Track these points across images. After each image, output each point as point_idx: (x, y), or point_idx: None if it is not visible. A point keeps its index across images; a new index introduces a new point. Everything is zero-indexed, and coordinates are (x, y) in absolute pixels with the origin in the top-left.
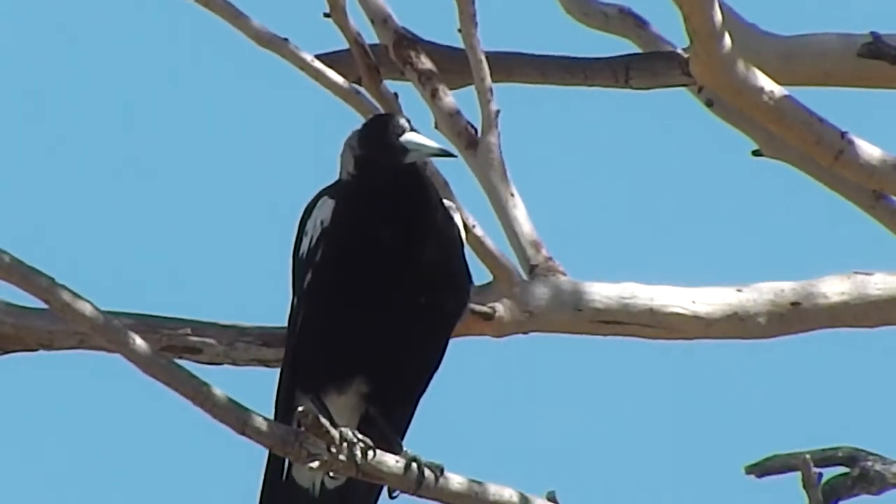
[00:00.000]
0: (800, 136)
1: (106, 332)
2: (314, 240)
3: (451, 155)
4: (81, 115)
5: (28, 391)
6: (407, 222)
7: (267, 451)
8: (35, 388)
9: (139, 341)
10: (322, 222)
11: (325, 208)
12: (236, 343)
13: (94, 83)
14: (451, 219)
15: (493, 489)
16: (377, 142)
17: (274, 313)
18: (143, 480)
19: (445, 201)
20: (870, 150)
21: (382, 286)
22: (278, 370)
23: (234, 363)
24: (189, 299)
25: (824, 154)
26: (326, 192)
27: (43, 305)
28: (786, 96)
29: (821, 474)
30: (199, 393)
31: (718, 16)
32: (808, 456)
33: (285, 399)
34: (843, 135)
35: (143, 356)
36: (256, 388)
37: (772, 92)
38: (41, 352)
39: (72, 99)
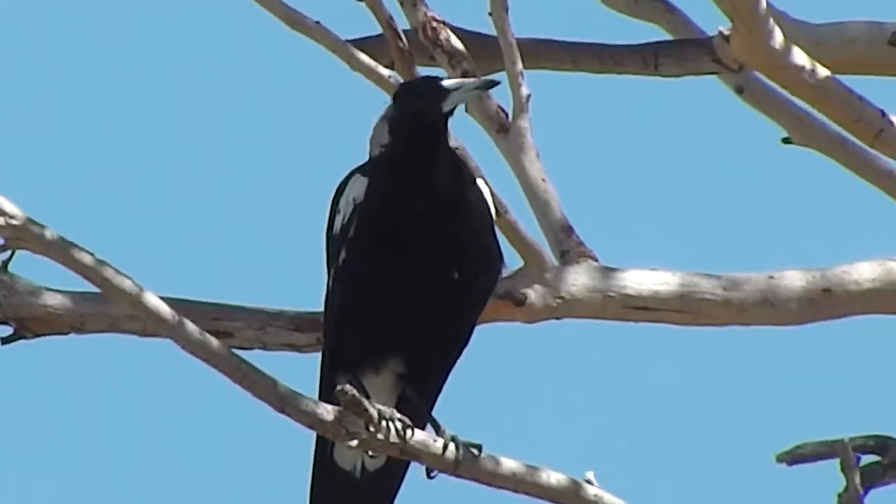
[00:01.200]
0: (840, 115)
1: (146, 309)
2: (347, 217)
3: (494, 83)
4: (113, 101)
5: (59, 374)
6: (440, 198)
7: (315, 434)
8: (66, 370)
9: (179, 317)
10: (354, 199)
11: (358, 185)
12: (267, 327)
13: (127, 65)
14: (482, 195)
15: (531, 470)
16: (417, 90)
17: (305, 297)
18: (179, 462)
19: (476, 178)
20: None
21: (416, 262)
22: (311, 354)
23: (265, 347)
24: (220, 283)
25: (865, 132)
26: (358, 170)
27: (73, 288)
28: (827, 74)
29: (859, 457)
30: (238, 370)
31: None
32: (846, 439)
33: (327, 379)
34: (883, 114)
35: (184, 333)
36: (288, 372)
37: (813, 70)
38: (72, 335)
39: (102, 82)
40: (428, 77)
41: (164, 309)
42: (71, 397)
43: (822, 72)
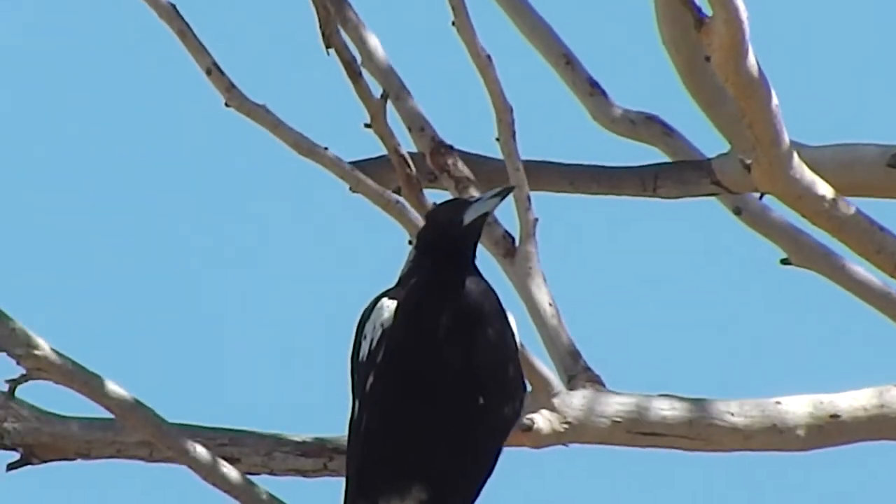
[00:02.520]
0: (860, 245)
1: (164, 440)
2: (375, 343)
3: (510, 189)
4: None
5: (66, 500)
6: (469, 324)
7: None
8: (73, 497)
9: (199, 449)
10: (382, 324)
11: (384, 310)
12: (274, 453)
13: (135, 184)
14: (510, 324)
15: None
16: (442, 208)
17: (311, 423)
18: None
19: (504, 308)
20: None
21: (443, 389)
22: (317, 479)
23: (271, 473)
24: (227, 408)
25: (885, 262)
26: (385, 294)
27: (80, 413)
28: (848, 205)
29: None
30: (257, 501)
31: (781, 123)
32: None
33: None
34: None
35: (204, 464)
36: (295, 498)
37: (833, 200)
38: (79, 461)
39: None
40: (446, 201)
41: (185, 441)
42: None
43: (842, 202)
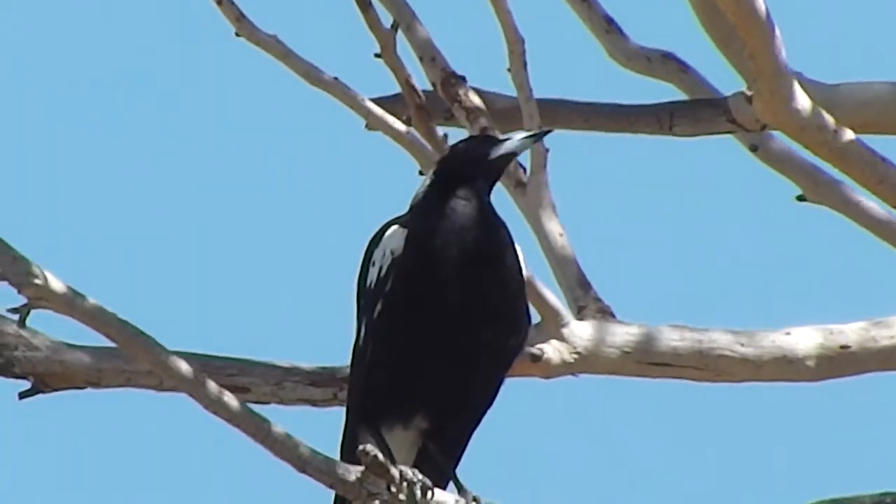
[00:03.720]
0: (863, 175)
1: (168, 369)
2: (384, 270)
3: (546, 131)
4: (130, 149)
5: (76, 428)
6: (481, 256)
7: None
8: (83, 425)
9: (201, 377)
10: (392, 252)
11: (396, 238)
12: (284, 382)
13: (145, 119)
14: (519, 258)
15: None
16: (470, 140)
17: (321, 353)
18: None
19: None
20: None
21: (452, 319)
22: (327, 408)
23: (281, 402)
24: (237, 338)
25: (888, 193)
26: (395, 221)
27: (91, 343)
28: (850, 136)
29: None
30: (260, 430)
31: (783, 54)
32: (865, 496)
33: (350, 432)
34: None
35: (205, 393)
36: (304, 427)
37: (835, 131)
38: (89, 389)
39: (119, 133)
40: (475, 135)
41: (186, 368)
42: (88, 451)
43: (845, 133)
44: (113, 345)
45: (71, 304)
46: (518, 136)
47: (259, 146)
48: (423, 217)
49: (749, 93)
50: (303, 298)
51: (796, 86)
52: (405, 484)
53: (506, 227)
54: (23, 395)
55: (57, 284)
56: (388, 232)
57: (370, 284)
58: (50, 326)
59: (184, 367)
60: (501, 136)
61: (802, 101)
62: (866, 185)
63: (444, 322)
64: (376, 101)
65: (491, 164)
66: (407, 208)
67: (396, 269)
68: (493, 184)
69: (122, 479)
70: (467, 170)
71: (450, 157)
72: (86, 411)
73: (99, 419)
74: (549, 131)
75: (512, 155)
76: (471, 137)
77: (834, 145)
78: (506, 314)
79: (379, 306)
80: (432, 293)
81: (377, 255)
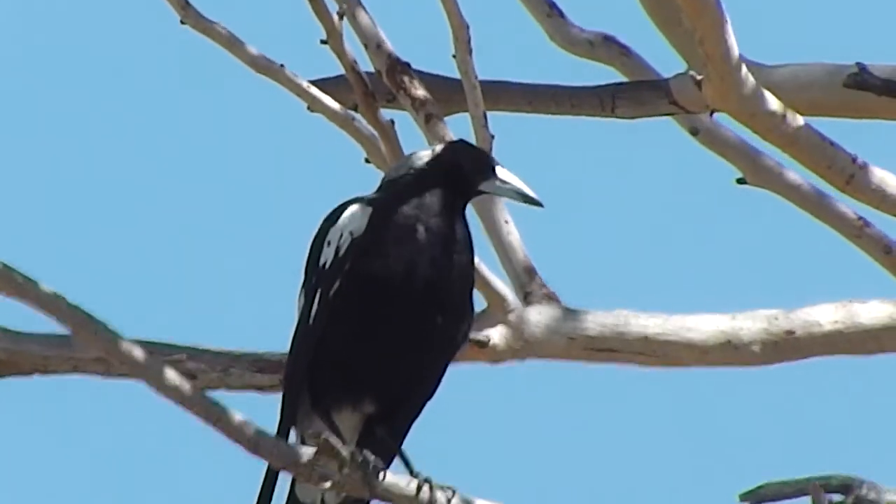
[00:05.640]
0: (812, 160)
1: (120, 354)
2: (342, 250)
3: (536, 203)
4: (74, 134)
5: (22, 415)
6: (446, 245)
7: (265, 468)
8: (30, 412)
9: (151, 360)
10: (352, 232)
11: (357, 218)
12: (230, 369)
13: (89, 105)
14: (472, 248)
15: None
16: (472, 156)
17: (266, 339)
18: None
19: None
20: (881, 175)
21: (409, 304)
22: (273, 394)
23: (228, 388)
24: (184, 325)
25: (836, 178)
26: (355, 201)
27: (37, 330)
28: (800, 121)
29: (831, 498)
30: (212, 413)
31: (732, 39)
32: (813, 480)
33: (289, 416)
34: (854, 159)
35: (157, 376)
36: (250, 413)
37: (784, 116)
38: (36, 376)
39: (59, 115)
40: (486, 153)
41: (138, 352)
42: (34, 438)
43: (795, 118)
44: (59, 332)
45: (21, 288)
46: (513, 183)
47: (204, 132)
48: (396, 199)
49: (699, 77)
50: (247, 285)
51: (745, 71)
52: (357, 465)
53: (468, 228)
54: None
55: (8, 269)
56: (348, 211)
57: (325, 264)
58: None
59: (135, 350)
60: (501, 171)
61: (751, 86)
62: (815, 169)
63: (400, 308)
64: (318, 83)
65: (476, 192)
66: (378, 186)
67: (356, 250)
68: (469, 199)
69: (69, 466)
70: (457, 175)
71: (449, 156)
72: (32, 399)
73: (46, 406)
74: (540, 206)
75: (496, 195)
76: (473, 150)
77: (783, 130)
78: (457, 304)
79: (335, 287)
80: (393, 279)
81: (333, 234)
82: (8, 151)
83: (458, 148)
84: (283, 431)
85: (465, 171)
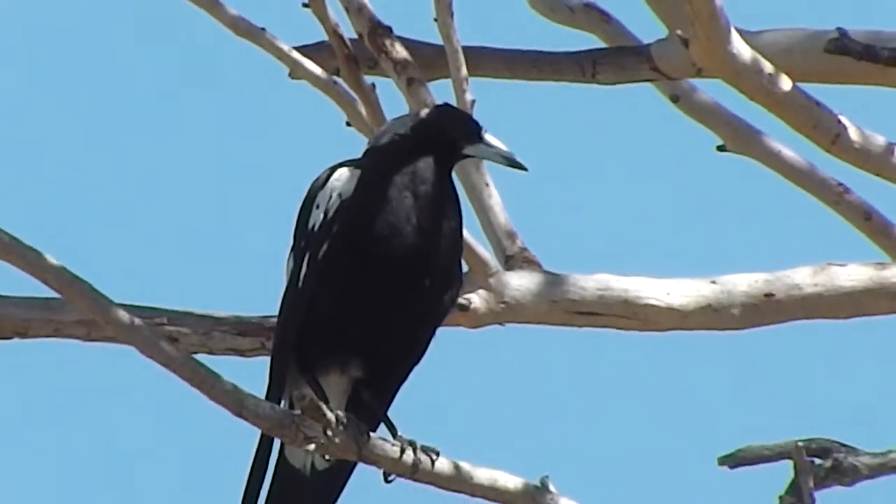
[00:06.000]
0: (797, 120)
1: (105, 314)
2: (331, 212)
3: (520, 167)
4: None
5: (3, 380)
6: (434, 208)
7: (259, 433)
8: (10, 376)
9: (137, 322)
10: (340, 195)
11: (345, 180)
12: (212, 332)
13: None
14: (461, 213)
15: (488, 474)
16: (458, 119)
17: (247, 303)
18: (123, 466)
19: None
20: (866, 135)
21: (397, 267)
22: (254, 358)
23: (210, 352)
24: (165, 289)
25: (822, 138)
26: (344, 164)
27: (17, 293)
28: (785, 80)
29: (813, 460)
30: (196, 375)
31: None
32: (800, 443)
33: (279, 379)
34: (839, 120)
35: (142, 338)
36: (232, 377)
37: (771, 75)
38: (15, 339)
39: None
40: (471, 117)
41: (123, 314)
42: (14, 402)
43: (781, 78)
44: (41, 296)
45: (7, 248)
46: (499, 147)
47: (185, 97)
48: (383, 162)
49: (686, 36)
50: (228, 248)
51: (733, 31)
52: (342, 428)
53: (456, 193)
54: None
55: None
56: (336, 174)
57: (313, 227)
58: None
59: (121, 312)
60: (487, 135)
61: (739, 45)
62: (801, 129)
63: (389, 270)
64: (300, 49)
65: (462, 155)
66: (364, 151)
67: (345, 212)
68: (455, 163)
69: (51, 431)
70: (443, 139)
71: (434, 120)
72: (12, 362)
73: (26, 370)
74: (525, 169)
75: (482, 158)
76: (456, 112)
77: (770, 90)
78: (446, 268)
79: (324, 249)
80: (382, 240)
81: (321, 197)
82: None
83: (443, 111)
84: (272, 396)
85: (451, 135)
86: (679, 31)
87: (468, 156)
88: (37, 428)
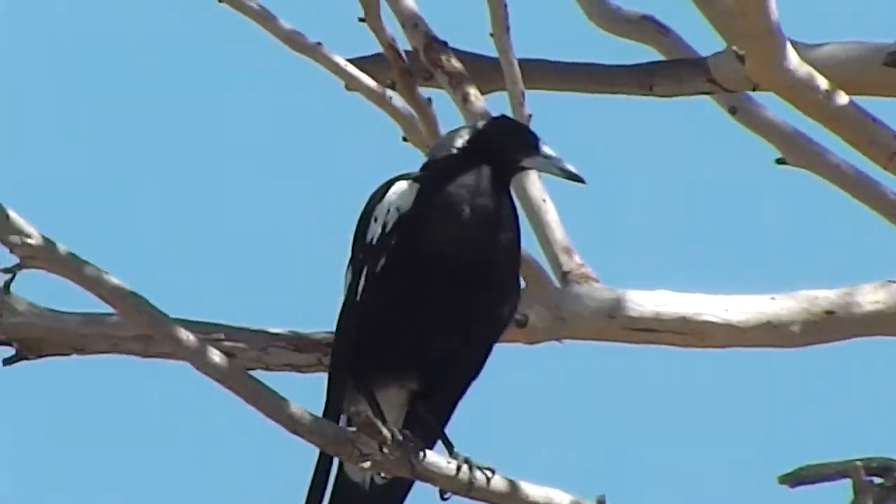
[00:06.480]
0: (853, 136)
1: (162, 331)
2: (388, 226)
3: (578, 179)
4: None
5: (61, 395)
6: (492, 221)
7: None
8: (68, 391)
9: (191, 337)
10: (399, 209)
11: (404, 194)
12: (269, 348)
13: (125, 87)
14: (519, 227)
15: (544, 492)
16: (515, 131)
17: (305, 319)
18: (182, 482)
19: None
20: None
21: (455, 282)
22: (311, 374)
23: (267, 368)
24: (222, 304)
25: (878, 154)
26: (403, 177)
27: (76, 308)
28: (842, 96)
29: (872, 479)
30: (252, 391)
31: (774, 12)
32: (859, 462)
33: (338, 394)
34: (895, 136)
35: (199, 355)
36: (288, 393)
37: (826, 91)
38: (74, 355)
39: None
40: (529, 129)
41: (181, 331)
42: (72, 418)
43: (837, 94)
44: (98, 311)
45: (65, 264)
46: (556, 159)
47: (241, 112)
48: (441, 176)
49: (741, 52)
50: (286, 264)
51: (788, 46)
52: (397, 445)
53: (515, 208)
54: (7, 362)
55: (51, 245)
56: (394, 188)
57: (371, 240)
58: (34, 292)
59: (179, 329)
60: (544, 147)
61: (794, 61)
62: (857, 145)
63: (446, 283)
64: (355, 61)
65: (519, 167)
66: (422, 164)
67: (403, 225)
68: (514, 175)
69: (107, 446)
70: (500, 151)
71: (491, 132)
72: (70, 377)
73: (84, 385)
74: (583, 182)
75: (539, 171)
76: (514, 125)
77: (825, 106)
78: (504, 283)
79: (382, 262)
80: (439, 253)
81: (379, 210)
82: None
83: (500, 123)
84: (331, 411)
85: (509, 147)
86: (734, 47)
87: (525, 168)
88: (94, 444)
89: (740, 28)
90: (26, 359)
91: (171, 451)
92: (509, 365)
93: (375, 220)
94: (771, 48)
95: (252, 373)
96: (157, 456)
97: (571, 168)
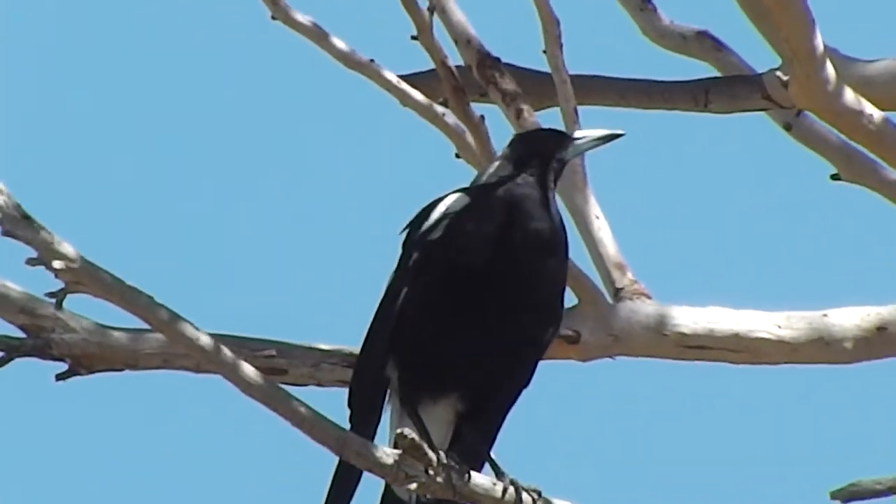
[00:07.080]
0: None
1: (205, 353)
2: (437, 236)
3: (618, 135)
4: (169, 131)
5: (113, 410)
6: (539, 231)
7: (336, 462)
8: (120, 407)
9: (240, 362)
10: (447, 222)
11: (451, 207)
12: (322, 364)
13: (182, 105)
14: (567, 246)
15: None
16: (542, 136)
17: (357, 335)
18: (237, 498)
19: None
20: None
21: (500, 300)
22: None
23: (318, 384)
24: (275, 320)
25: None
26: (458, 190)
27: (128, 325)
28: (885, 119)
29: None
30: (296, 414)
31: (819, 38)
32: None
33: (371, 403)
34: None
35: (244, 377)
36: (340, 408)
37: (871, 115)
38: (126, 371)
39: (160, 119)
40: (550, 128)
41: (226, 353)
42: (124, 433)
43: (879, 116)
44: (149, 327)
45: (108, 287)
46: (588, 134)
47: (294, 128)
48: (489, 191)
49: (785, 77)
50: (339, 280)
51: (831, 69)
52: (442, 467)
53: (563, 220)
54: (59, 377)
55: (92, 268)
56: (444, 202)
57: (419, 251)
58: (87, 309)
59: (225, 352)
60: (574, 135)
61: (837, 84)
62: None
63: (491, 302)
64: (408, 78)
65: (562, 163)
66: (472, 180)
67: (450, 237)
68: (558, 177)
69: (159, 462)
70: (539, 160)
71: (525, 143)
72: (123, 393)
73: (136, 401)
74: (620, 135)
75: (583, 153)
76: (545, 131)
77: (870, 129)
78: (549, 301)
79: (428, 273)
80: (486, 265)
81: (427, 223)
82: (103, 148)
83: (526, 134)
84: (364, 424)
85: (546, 150)
86: (778, 73)
87: (565, 161)
88: (147, 460)
89: (783, 54)
90: (78, 374)
91: (223, 467)
92: (561, 382)
93: (423, 231)
94: (814, 73)
95: (304, 389)
96: (209, 472)
97: (604, 132)
